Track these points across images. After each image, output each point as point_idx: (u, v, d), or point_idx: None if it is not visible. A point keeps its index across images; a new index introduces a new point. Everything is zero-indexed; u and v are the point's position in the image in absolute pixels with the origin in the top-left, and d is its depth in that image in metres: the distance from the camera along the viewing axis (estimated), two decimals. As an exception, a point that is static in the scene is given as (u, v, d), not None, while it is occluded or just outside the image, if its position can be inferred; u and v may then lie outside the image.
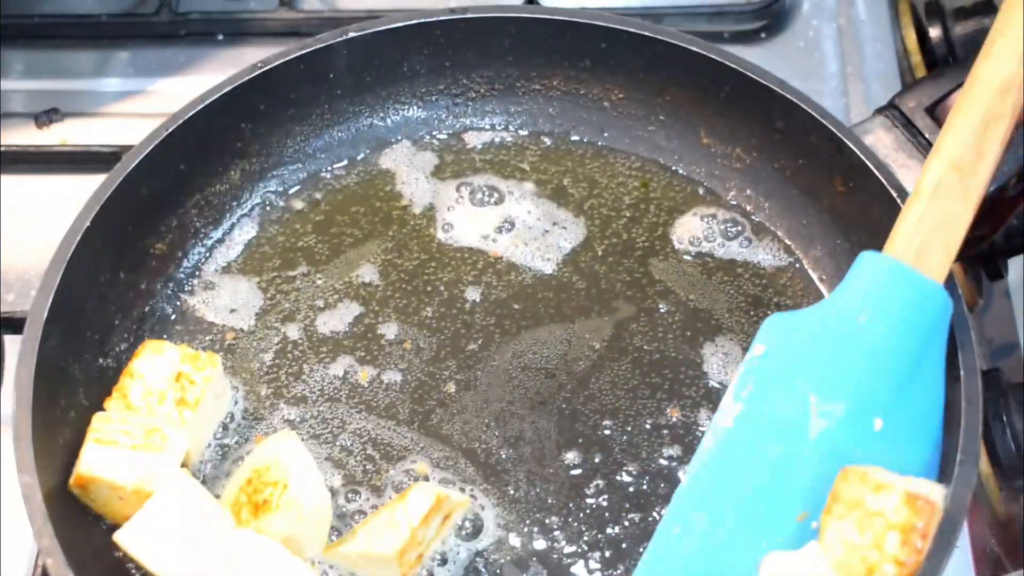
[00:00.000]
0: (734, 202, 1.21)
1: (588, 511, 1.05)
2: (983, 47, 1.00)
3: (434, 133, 1.27)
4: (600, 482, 1.06)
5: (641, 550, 1.02)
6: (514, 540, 1.03)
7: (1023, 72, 0.98)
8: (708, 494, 0.98)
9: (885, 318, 0.97)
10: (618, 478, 1.06)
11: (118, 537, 0.96)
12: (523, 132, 1.27)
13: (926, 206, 0.98)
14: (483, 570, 1.02)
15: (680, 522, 0.98)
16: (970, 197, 0.98)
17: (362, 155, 1.25)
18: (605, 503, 1.05)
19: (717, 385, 1.11)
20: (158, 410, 1.02)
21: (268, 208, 1.22)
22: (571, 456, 1.07)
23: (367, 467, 1.07)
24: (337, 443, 1.08)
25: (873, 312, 0.97)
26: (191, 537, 0.96)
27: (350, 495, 1.05)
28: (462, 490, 1.05)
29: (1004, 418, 1.12)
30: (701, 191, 1.22)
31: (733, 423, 0.98)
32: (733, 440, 0.98)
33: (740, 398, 0.99)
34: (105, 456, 0.99)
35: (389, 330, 1.14)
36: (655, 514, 1.04)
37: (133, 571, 1.01)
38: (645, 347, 1.13)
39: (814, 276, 1.17)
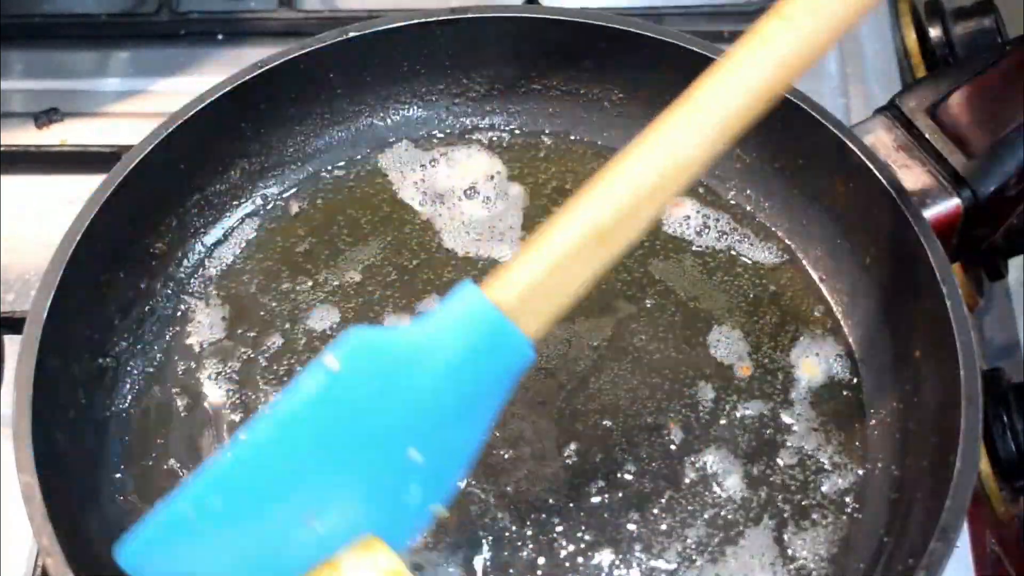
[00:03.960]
0: (734, 202, 1.21)
1: (588, 511, 1.05)
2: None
3: (434, 133, 1.27)
4: (600, 482, 1.06)
5: (642, 550, 1.02)
6: (514, 540, 1.03)
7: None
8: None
9: (468, 362, 0.90)
10: (618, 478, 1.06)
11: None
12: (523, 132, 1.27)
13: (553, 265, 0.89)
14: (482, 570, 1.02)
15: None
16: (600, 263, 0.90)
17: (362, 155, 1.25)
18: (606, 503, 1.05)
19: (717, 384, 1.11)
20: None
21: (268, 208, 1.22)
22: (571, 456, 1.07)
23: (367, 467, 1.07)
24: (337, 443, 1.08)
25: (459, 352, 0.90)
26: None
27: (350, 495, 1.05)
28: (461, 491, 1.05)
29: (1004, 418, 1.12)
30: (701, 191, 1.22)
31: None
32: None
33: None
34: None
35: (389, 330, 1.14)
36: (656, 514, 1.04)
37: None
38: (645, 347, 1.13)
39: (814, 276, 1.17)
